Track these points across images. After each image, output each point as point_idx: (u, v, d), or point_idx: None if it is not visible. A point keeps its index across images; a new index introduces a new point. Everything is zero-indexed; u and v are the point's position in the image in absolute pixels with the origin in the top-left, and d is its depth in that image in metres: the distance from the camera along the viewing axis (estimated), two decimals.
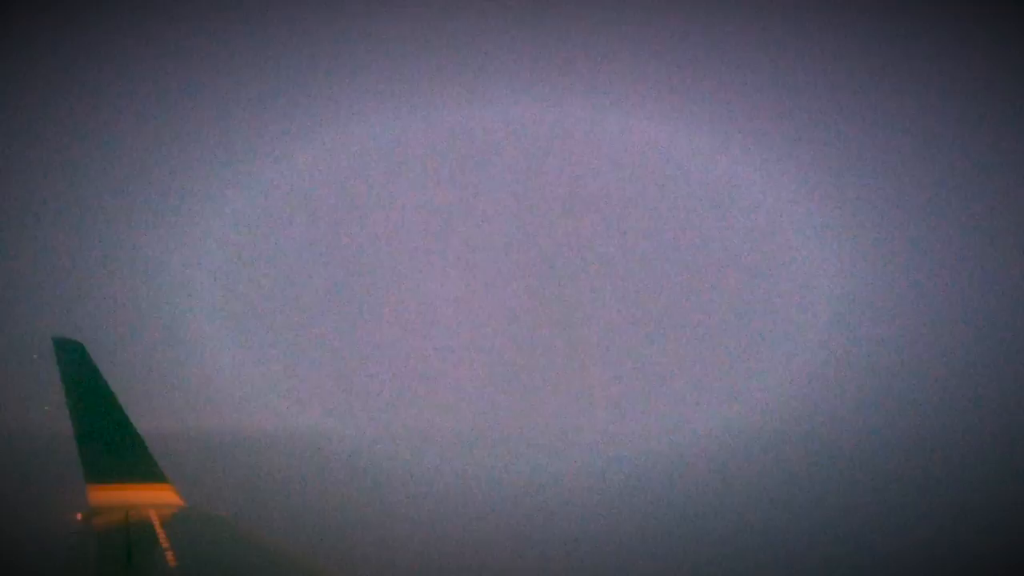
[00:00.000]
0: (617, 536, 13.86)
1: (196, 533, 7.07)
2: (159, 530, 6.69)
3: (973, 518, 14.55)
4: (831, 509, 15.25)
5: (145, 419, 8.73)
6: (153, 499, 7.93)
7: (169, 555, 5.91)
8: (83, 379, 8.57)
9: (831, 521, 14.76)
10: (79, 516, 7.45)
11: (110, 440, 8.26)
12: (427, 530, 13.40)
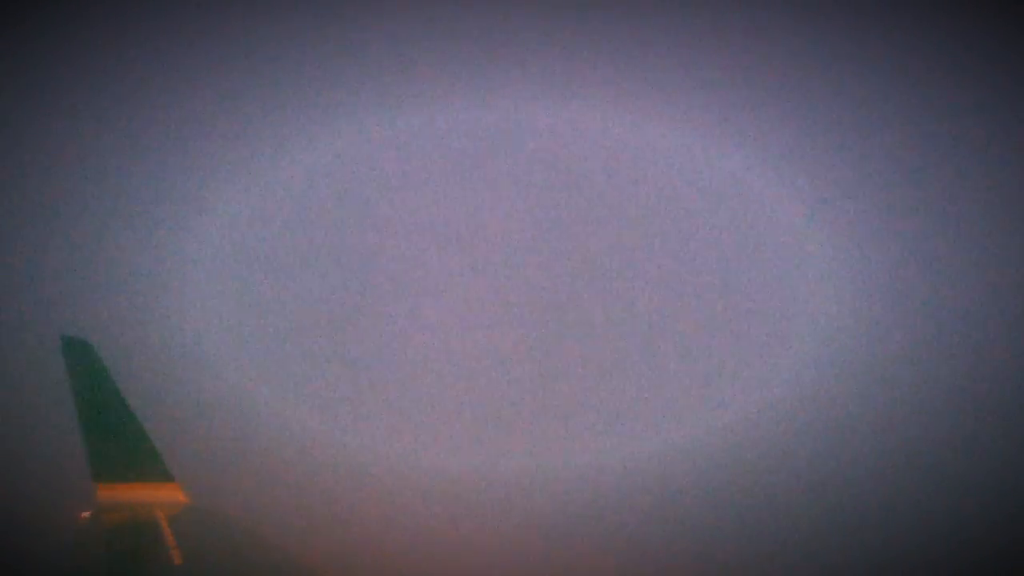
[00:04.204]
0: (615, 537, 13.77)
1: (203, 532, 7.10)
2: (166, 529, 6.72)
3: (975, 518, 14.41)
4: (832, 509, 15.13)
5: (150, 419, 8.76)
6: (160, 498, 7.97)
7: (175, 553, 5.94)
8: (91, 378, 8.60)
9: (832, 521, 14.63)
10: (86, 515, 7.48)
11: (117, 439, 8.29)
12: (432, 531, 13.33)
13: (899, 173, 17.60)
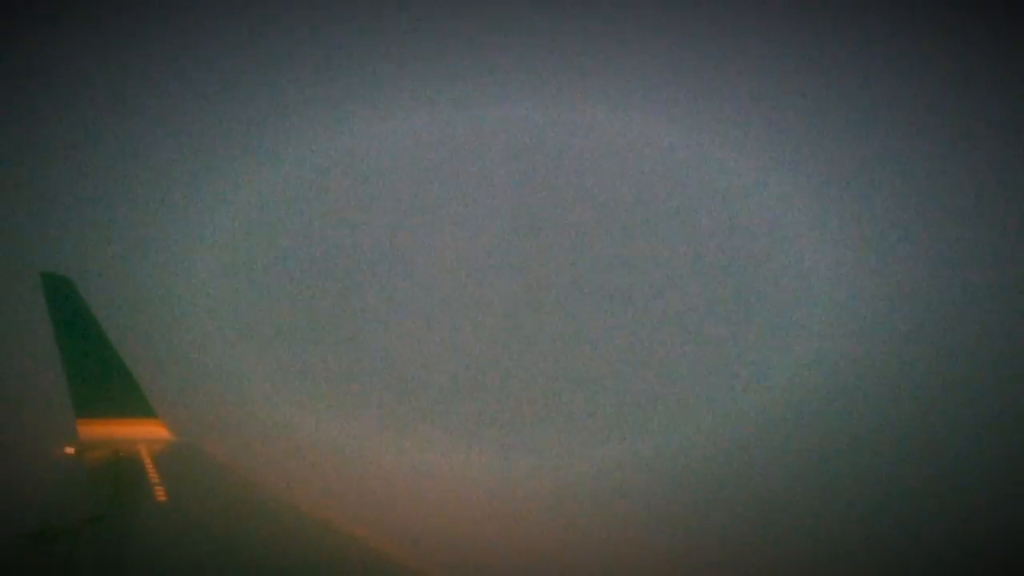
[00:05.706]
0: (616, 538, 13.88)
1: (185, 468, 7.08)
2: (148, 465, 6.69)
3: (974, 518, 14.59)
4: (832, 509, 15.28)
5: (134, 356, 8.69)
6: (143, 434, 7.95)
7: (158, 490, 5.91)
8: (72, 314, 8.51)
9: (832, 521, 14.82)
10: (69, 451, 7.44)
11: (100, 375, 8.24)
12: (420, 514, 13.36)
13: (901, 172, 17.46)
